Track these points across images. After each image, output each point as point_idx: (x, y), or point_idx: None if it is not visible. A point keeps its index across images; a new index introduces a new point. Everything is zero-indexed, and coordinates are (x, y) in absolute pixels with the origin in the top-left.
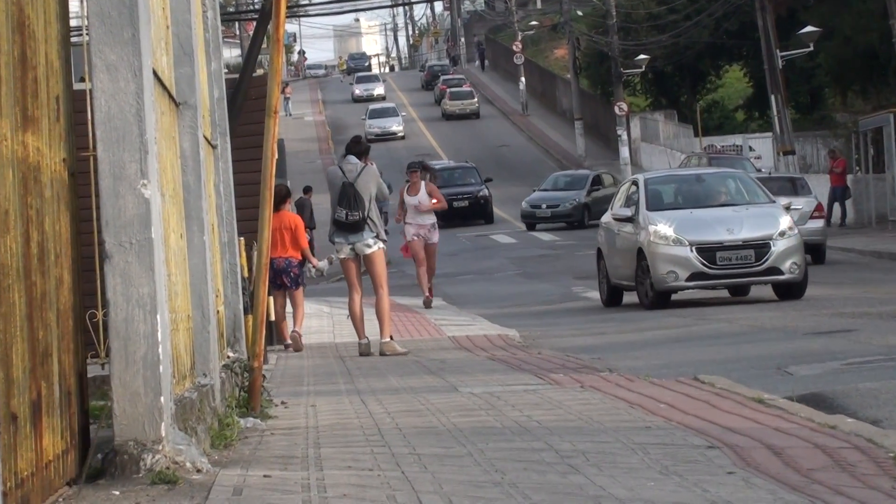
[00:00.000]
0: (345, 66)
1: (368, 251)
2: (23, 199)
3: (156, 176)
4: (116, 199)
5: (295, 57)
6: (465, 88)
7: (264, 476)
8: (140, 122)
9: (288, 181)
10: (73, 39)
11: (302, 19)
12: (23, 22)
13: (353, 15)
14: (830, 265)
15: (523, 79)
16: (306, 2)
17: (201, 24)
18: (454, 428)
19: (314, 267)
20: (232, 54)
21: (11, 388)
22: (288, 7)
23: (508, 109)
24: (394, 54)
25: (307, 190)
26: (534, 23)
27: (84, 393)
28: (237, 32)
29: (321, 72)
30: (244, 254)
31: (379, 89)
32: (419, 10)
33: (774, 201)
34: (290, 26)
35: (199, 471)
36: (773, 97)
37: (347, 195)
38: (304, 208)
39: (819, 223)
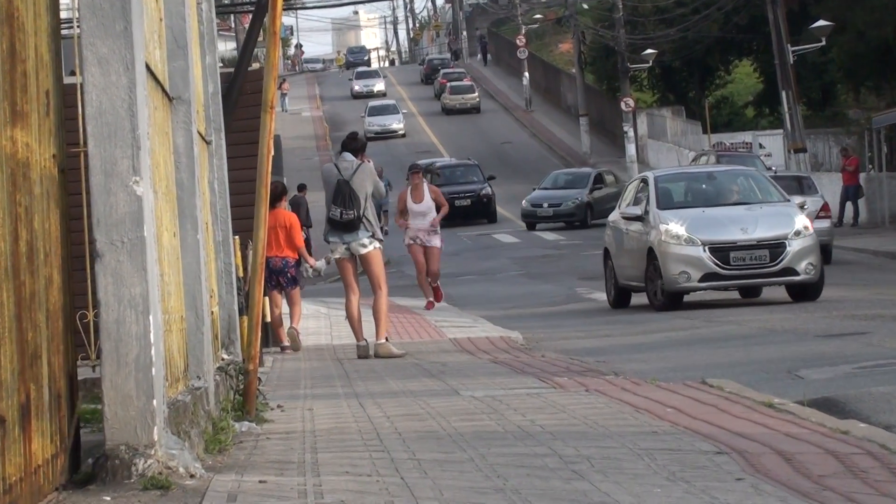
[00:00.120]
0: (343, 61)
1: (364, 251)
2: (11, 197)
3: (148, 172)
4: (108, 196)
5: (292, 51)
6: (466, 82)
7: (260, 482)
8: (132, 117)
9: (284, 178)
10: (64, 32)
11: (299, 12)
12: (11, 14)
13: (351, 7)
14: (843, 266)
15: (527, 74)
16: None
17: (196, 16)
18: (455, 432)
19: (311, 267)
20: (227, 48)
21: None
22: None
23: (511, 105)
24: (394, 48)
25: (302, 188)
26: (538, 16)
27: (74, 396)
28: (233, 25)
29: (319, 66)
30: (239, 253)
31: (379, 85)
32: (420, 3)
33: (789, 200)
34: (287, 19)
35: (192, 476)
36: (783, 93)
37: (342, 193)
38: (299, 206)
39: (825, 223)
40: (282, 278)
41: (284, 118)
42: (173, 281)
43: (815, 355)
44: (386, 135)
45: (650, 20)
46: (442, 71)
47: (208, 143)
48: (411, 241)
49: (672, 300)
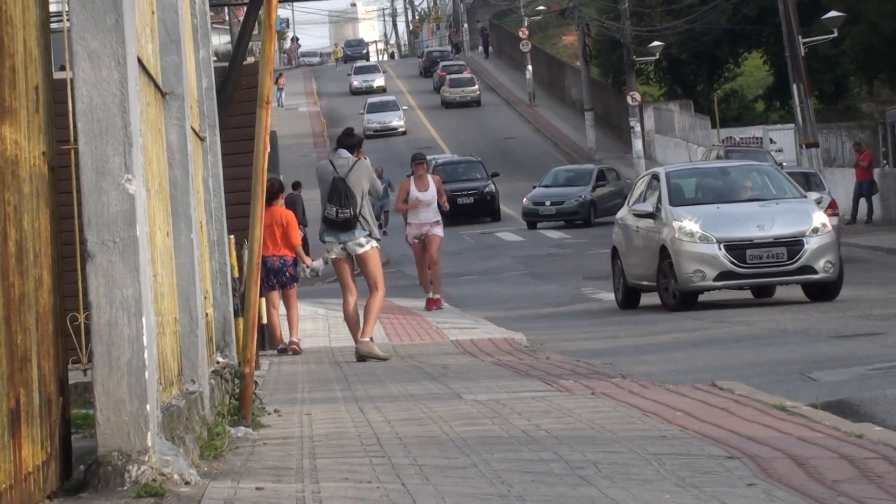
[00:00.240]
0: (341, 54)
1: (361, 251)
2: (0, 196)
3: (141, 170)
4: (99, 194)
5: (288, 44)
6: (466, 75)
7: (256, 489)
8: (124, 113)
9: (281, 176)
10: (53, 26)
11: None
12: None
13: None
14: (856, 264)
15: (530, 67)
16: None
17: (189, 9)
18: (457, 437)
19: (308, 267)
20: (221, 41)
21: None
22: None
23: (514, 99)
24: (392, 41)
25: (296, 185)
26: (541, 7)
27: (65, 400)
28: (227, 18)
29: (316, 60)
30: (234, 253)
31: (379, 80)
32: None
33: (805, 196)
34: (283, 11)
35: (187, 483)
36: (794, 86)
37: (338, 191)
38: (295, 205)
39: (833, 220)
40: (280, 278)
41: (281, 114)
42: (167, 282)
43: (828, 356)
44: (386, 132)
45: (657, 11)
46: (441, 63)
47: (202, 139)
48: (415, 240)
49: (686, 300)
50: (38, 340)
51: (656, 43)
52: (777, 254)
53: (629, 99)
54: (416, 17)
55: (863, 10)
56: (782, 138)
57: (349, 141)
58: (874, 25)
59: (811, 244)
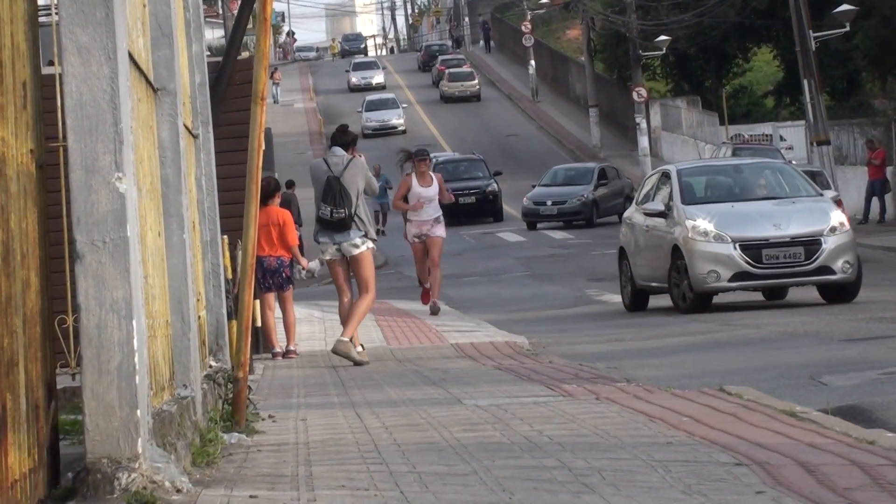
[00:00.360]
0: (338, 49)
1: (356, 252)
2: None
3: (132, 168)
4: (88, 193)
5: (283, 38)
6: (465, 69)
7: (250, 497)
8: (114, 109)
9: (276, 174)
10: (42, 19)
11: None
12: None
13: None
14: (868, 265)
15: (533, 62)
16: None
17: (181, 2)
18: (457, 444)
19: (304, 268)
20: (215, 35)
21: None
22: None
23: (517, 95)
24: (391, 36)
25: (290, 184)
26: (544, 1)
27: (53, 406)
28: (220, 11)
29: (312, 54)
30: (228, 253)
31: (378, 77)
32: None
33: (822, 194)
34: (279, 5)
35: (178, 491)
36: (805, 82)
37: (333, 191)
38: (289, 204)
39: None
40: (277, 279)
41: (276, 110)
42: (158, 283)
43: (840, 360)
44: (385, 131)
45: (663, 5)
46: (440, 57)
47: (195, 136)
48: (416, 239)
49: (700, 301)
50: (25, 344)
51: (663, 37)
52: (794, 254)
53: (635, 95)
54: (416, 11)
55: (876, 4)
56: (792, 135)
57: (343, 138)
58: (888, 20)
59: (829, 244)
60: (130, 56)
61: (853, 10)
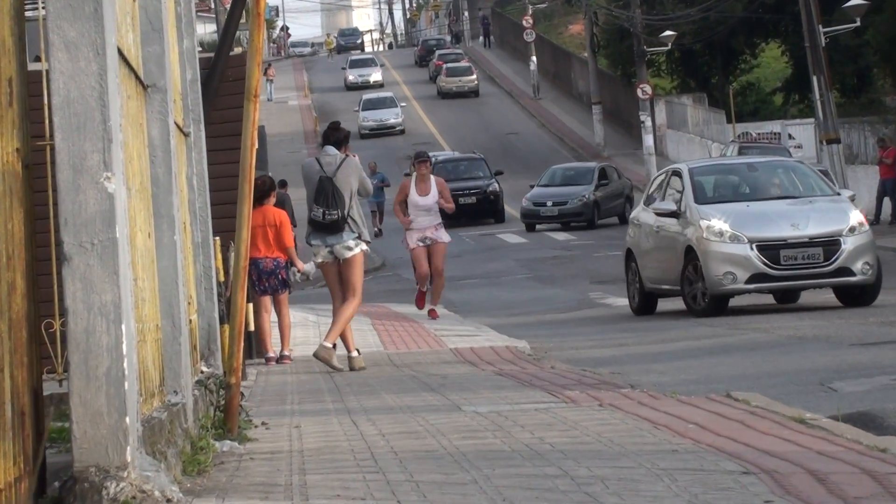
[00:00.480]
0: (333, 44)
1: (349, 254)
2: None
3: (121, 168)
4: (76, 193)
5: (277, 33)
6: (463, 64)
7: None
8: (103, 107)
9: (269, 173)
10: (28, 14)
11: None
12: None
13: None
14: None
15: (534, 58)
16: None
17: None
18: (456, 452)
19: (299, 270)
20: (207, 30)
21: None
22: None
23: (518, 92)
24: (389, 31)
25: (283, 184)
26: None
27: (40, 413)
28: (212, 6)
29: (307, 50)
30: (220, 255)
31: (376, 75)
32: None
33: (839, 193)
34: None
35: (169, 500)
36: (814, 79)
37: (325, 191)
38: (283, 204)
39: None
40: (272, 280)
41: (270, 108)
42: (148, 286)
43: (850, 365)
44: (383, 131)
45: None
46: (437, 52)
47: (186, 135)
48: (419, 243)
49: (716, 304)
50: (10, 349)
51: (668, 32)
52: (813, 254)
53: (639, 92)
54: (414, 5)
55: None
56: (801, 134)
57: (335, 136)
58: None
59: (848, 244)
60: (120, 52)
61: (864, 5)
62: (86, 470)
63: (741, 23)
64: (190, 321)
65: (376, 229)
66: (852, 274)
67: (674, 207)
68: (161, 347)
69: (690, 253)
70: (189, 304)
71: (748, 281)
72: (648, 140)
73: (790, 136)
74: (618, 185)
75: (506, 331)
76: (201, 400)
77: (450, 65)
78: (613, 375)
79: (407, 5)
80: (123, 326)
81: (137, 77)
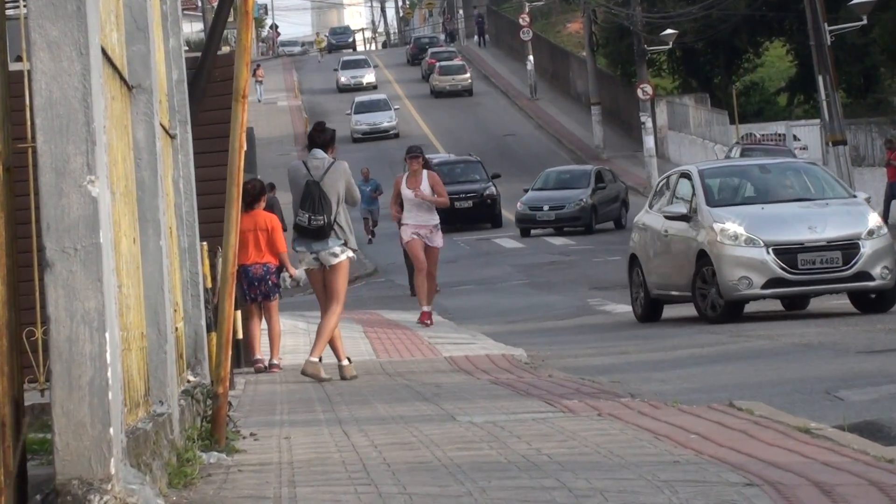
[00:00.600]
0: (324, 43)
1: (335, 261)
2: None
3: (105, 171)
4: (59, 197)
5: (266, 32)
6: (457, 62)
7: None
8: (86, 108)
9: (258, 176)
10: (9, 12)
11: None
12: None
13: None
14: None
15: (531, 57)
16: None
17: None
18: (451, 463)
19: (290, 276)
20: (193, 29)
21: None
22: None
23: (514, 92)
24: (381, 29)
25: (271, 187)
26: None
27: (20, 424)
28: (199, 4)
29: (297, 49)
30: (207, 261)
31: (369, 76)
32: None
33: (855, 195)
34: None
35: None
36: (820, 78)
37: (312, 196)
38: (272, 208)
39: None
40: (263, 286)
41: (259, 109)
42: (133, 293)
43: (857, 374)
44: (376, 135)
45: None
46: (430, 50)
47: (172, 137)
48: (414, 236)
49: (730, 310)
50: None
51: (669, 31)
52: (831, 258)
53: (640, 92)
54: (407, 3)
55: None
56: (807, 135)
57: (322, 137)
58: None
59: (867, 248)
60: (104, 51)
61: (871, 2)
62: (68, 482)
63: (744, 21)
64: (176, 329)
65: (369, 236)
66: (871, 279)
67: (684, 210)
68: (146, 356)
69: (703, 257)
70: (175, 311)
71: (764, 286)
72: (649, 142)
73: (795, 138)
74: (614, 189)
75: (502, 338)
76: (188, 410)
77: (443, 63)
78: (613, 384)
79: (400, 3)
80: (107, 335)
81: (122, 77)
